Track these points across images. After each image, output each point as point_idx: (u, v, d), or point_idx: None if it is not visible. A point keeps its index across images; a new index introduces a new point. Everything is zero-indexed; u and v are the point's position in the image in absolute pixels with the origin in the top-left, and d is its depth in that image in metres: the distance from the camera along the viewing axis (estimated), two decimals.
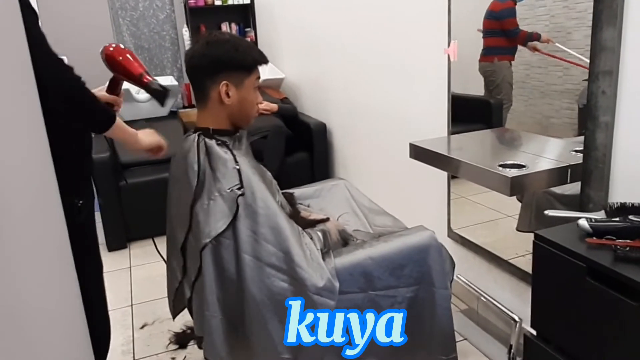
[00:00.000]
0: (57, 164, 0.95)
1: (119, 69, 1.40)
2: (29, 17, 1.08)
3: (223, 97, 1.30)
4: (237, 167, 1.24)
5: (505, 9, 1.76)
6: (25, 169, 0.64)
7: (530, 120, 1.79)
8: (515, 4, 1.70)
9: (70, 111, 1.18)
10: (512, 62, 1.77)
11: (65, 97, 1.15)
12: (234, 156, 1.27)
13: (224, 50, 1.30)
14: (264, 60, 1.36)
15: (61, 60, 1.17)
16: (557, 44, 1.58)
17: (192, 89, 1.39)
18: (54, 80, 1.11)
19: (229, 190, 1.22)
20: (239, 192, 1.21)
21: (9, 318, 0.58)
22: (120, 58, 1.38)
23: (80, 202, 1.27)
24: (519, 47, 1.73)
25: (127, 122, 3.67)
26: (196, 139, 1.31)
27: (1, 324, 0.58)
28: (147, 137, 1.46)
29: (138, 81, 1.40)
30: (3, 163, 0.58)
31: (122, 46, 1.44)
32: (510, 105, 1.82)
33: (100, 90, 1.45)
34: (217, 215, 1.21)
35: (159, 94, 1.41)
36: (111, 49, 1.39)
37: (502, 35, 1.81)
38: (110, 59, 1.39)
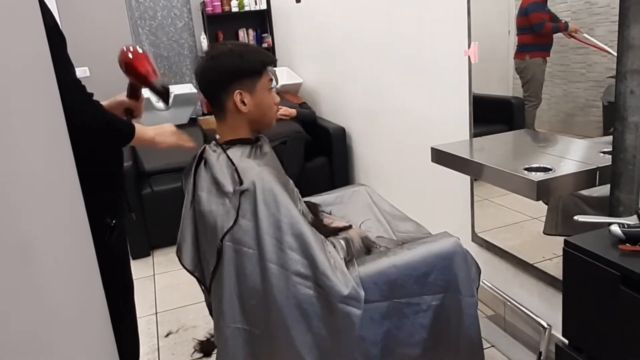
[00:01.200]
0: (89, 184, 0.95)
1: (129, 69, 1.40)
2: (56, 39, 1.08)
3: (239, 105, 1.31)
4: (234, 167, 1.24)
5: (531, 4, 1.73)
6: (52, 189, 0.65)
7: (554, 119, 1.75)
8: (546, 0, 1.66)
9: (89, 134, 1.19)
10: (546, 58, 1.73)
11: (84, 125, 1.16)
12: (256, 164, 1.27)
13: (229, 61, 1.30)
14: (271, 60, 1.37)
15: (83, 88, 1.18)
16: (585, 35, 1.55)
17: (209, 104, 1.39)
18: (78, 111, 1.10)
19: (232, 191, 1.22)
20: (242, 188, 1.21)
21: (36, 334, 0.58)
22: (131, 57, 1.38)
23: (114, 221, 1.28)
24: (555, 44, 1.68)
25: None
26: (219, 155, 1.30)
27: (29, 339, 0.58)
28: (166, 138, 1.44)
29: (144, 81, 1.40)
30: (30, 181, 0.58)
31: (139, 49, 1.43)
32: (538, 103, 1.79)
33: (121, 96, 1.46)
34: (228, 215, 1.22)
35: (161, 94, 1.42)
36: (124, 49, 1.39)
37: (531, 31, 1.77)
38: (121, 61, 1.39)
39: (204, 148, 1.39)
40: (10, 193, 0.53)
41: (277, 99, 1.40)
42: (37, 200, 0.60)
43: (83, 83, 1.25)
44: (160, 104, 3.71)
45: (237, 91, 1.30)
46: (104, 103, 1.34)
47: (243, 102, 1.31)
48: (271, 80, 1.37)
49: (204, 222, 1.28)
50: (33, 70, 0.64)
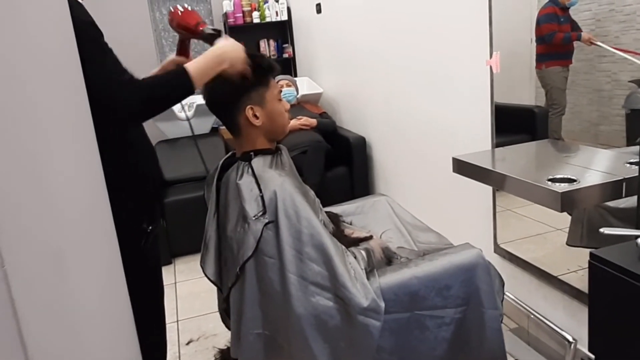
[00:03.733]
0: (127, 191, 0.96)
1: (181, 24, 1.41)
2: (93, 31, 1.11)
3: (252, 120, 1.31)
4: (261, 194, 1.23)
5: (543, 15, 1.74)
6: (82, 196, 0.66)
7: (578, 128, 1.73)
8: (558, 9, 1.66)
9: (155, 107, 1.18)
10: (567, 66, 1.72)
11: (143, 110, 1.16)
12: (277, 174, 1.27)
13: (234, 78, 1.28)
14: (275, 68, 1.35)
15: (123, 77, 1.15)
16: (599, 43, 1.54)
17: (222, 123, 1.40)
18: (119, 97, 1.10)
19: (253, 218, 1.21)
20: (265, 221, 1.20)
21: (64, 338, 0.59)
22: (180, 13, 1.40)
23: (150, 227, 1.29)
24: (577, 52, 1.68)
25: (168, 140, 3.75)
26: (242, 167, 1.31)
27: (59, 341, 0.59)
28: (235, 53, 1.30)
29: (194, 32, 1.41)
30: (64, 189, 0.60)
31: (187, 6, 1.45)
32: (562, 110, 1.77)
33: (170, 57, 1.48)
34: (247, 244, 1.22)
35: (212, 37, 1.38)
36: (171, 9, 1.42)
37: (543, 42, 1.77)
38: (171, 19, 1.41)
39: (225, 159, 1.40)
40: (46, 198, 0.55)
41: (287, 105, 1.41)
42: (69, 208, 0.62)
43: None
44: (182, 114, 3.77)
45: (249, 107, 1.30)
46: (153, 71, 1.33)
47: (255, 116, 1.31)
48: (280, 90, 1.38)
49: (225, 241, 1.30)
50: (64, 78, 0.66)
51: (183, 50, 1.50)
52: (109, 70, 1.12)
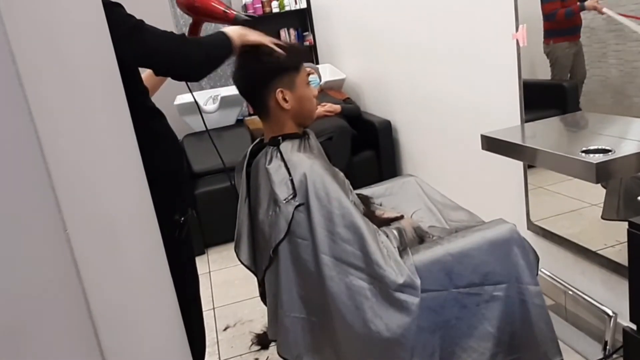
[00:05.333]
0: (160, 183, 1.00)
1: (202, 11, 1.42)
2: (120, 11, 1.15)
3: (282, 103, 1.32)
4: (290, 177, 1.24)
5: None
6: (126, 188, 0.69)
7: (610, 101, 1.68)
8: None
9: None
10: (575, 42, 1.69)
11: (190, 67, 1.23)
12: (306, 157, 1.28)
13: (265, 62, 1.30)
14: (304, 53, 1.37)
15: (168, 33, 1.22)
16: (605, 9, 1.50)
17: (251, 107, 1.41)
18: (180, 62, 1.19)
19: (284, 202, 1.23)
20: (296, 203, 1.22)
21: (118, 328, 0.63)
22: (199, 1, 1.41)
23: (182, 218, 1.33)
24: (594, 26, 1.64)
25: (195, 133, 3.80)
26: (271, 152, 1.33)
27: (113, 331, 0.63)
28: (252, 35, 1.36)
29: (223, 18, 1.43)
30: (109, 182, 0.63)
31: None
32: (569, 84, 1.76)
33: None
34: (279, 227, 1.23)
35: (248, 25, 1.40)
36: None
37: (547, 19, 1.76)
38: (190, 6, 1.41)
39: (254, 145, 1.42)
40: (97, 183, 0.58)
41: (315, 91, 1.42)
42: (115, 201, 0.65)
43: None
44: (208, 107, 3.82)
45: (279, 89, 1.31)
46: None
47: (285, 100, 1.32)
48: (308, 74, 1.39)
49: (257, 226, 1.32)
50: (102, 69, 0.69)
51: (195, 32, 1.51)
52: (161, 33, 1.19)
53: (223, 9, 1.42)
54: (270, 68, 1.31)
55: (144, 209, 0.74)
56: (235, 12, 1.43)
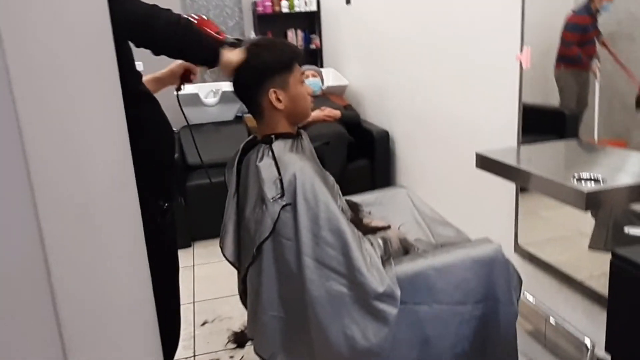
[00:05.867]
0: (145, 168, 1.00)
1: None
2: None
3: (275, 103, 1.32)
4: (280, 177, 1.24)
5: (571, 22, 1.72)
6: (107, 171, 0.68)
7: (610, 134, 1.68)
8: (589, 18, 1.62)
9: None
10: (587, 71, 1.69)
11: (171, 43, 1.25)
12: (298, 158, 1.28)
13: (259, 61, 1.31)
14: (298, 53, 1.37)
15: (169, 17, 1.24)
16: (609, 48, 1.51)
17: (246, 107, 1.41)
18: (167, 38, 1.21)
19: (271, 200, 1.22)
20: (283, 203, 1.21)
21: (86, 310, 0.61)
22: (196, 21, 1.42)
23: (166, 204, 1.33)
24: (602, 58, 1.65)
25: (194, 126, 3.79)
26: (263, 150, 1.32)
27: (81, 315, 0.61)
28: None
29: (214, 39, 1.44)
30: (90, 164, 0.62)
31: (204, 17, 1.49)
32: (575, 112, 1.75)
33: (177, 61, 1.52)
34: (264, 225, 1.23)
35: (235, 47, 1.43)
36: (185, 16, 1.46)
37: (563, 44, 1.77)
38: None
39: (247, 142, 1.41)
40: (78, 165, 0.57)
41: (310, 89, 1.41)
42: (94, 182, 0.63)
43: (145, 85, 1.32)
44: (208, 100, 3.81)
45: (272, 90, 1.31)
46: (149, 77, 1.40)
47: (278, 99, 1.32)
48: (302, 73, 1.38)
49: (244, 222, 1.31)
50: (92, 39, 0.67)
51: (187, 76, 1.54)
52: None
53: (217, 30, 1.45)
54: (262, 69, 1.31)
55: (126, 191, 0.72)
56: (225, 36, 1.46)
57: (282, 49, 1.34)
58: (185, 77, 1.54)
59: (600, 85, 1.65)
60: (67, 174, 0.54)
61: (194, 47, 1.30)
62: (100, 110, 0.65)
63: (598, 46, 1.62)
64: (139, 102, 1.28)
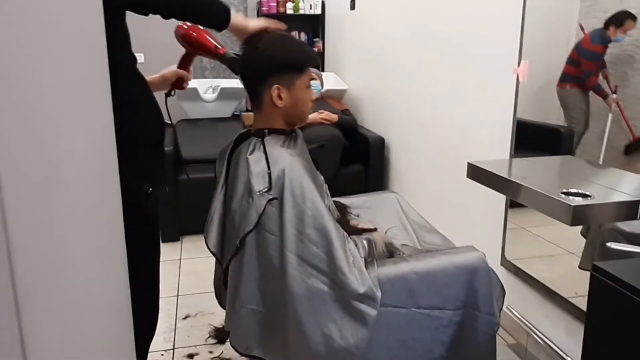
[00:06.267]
0: (130, 152, 0.99)
1: (196, 44, 1.49)
2: None
3: (275, 100, 1.30)
4: (268, 171, 1.23)
5: (589, 51, 1.69)
6: (87, 156, 0.67)
7: (606, 155, 1.68)
8: (603, 48, 1.62)
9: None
10: (587, 92, 1.70)
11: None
12: (288, 154, 1.27)
13: (272, 54, 1.29)
14: (315, 60, 1.37)
15: None
16: (620, 106, 1.51)
17: (247, 93, 1.41)
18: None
19: (258, 193, 1.21)
20: (269, 197, 1.20)
21: (55, 289, 0.60)
22: (195, 34, 1.48)
23: (150, 189, 1.32)
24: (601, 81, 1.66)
25: (190, 120, 3.83)
26: (254, 143, 1.32)
27: (51, 295, 0.59)
28: (258, 23, 1.40)
29: (214, 53, 1.49)
30: (69, 148, 0.60)
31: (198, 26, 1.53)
32: (583, 130, 1.74)
33: (171, 68, 1.56)
34: (249, 218, 1.22)
35: (234, 62, 1.45)
36: (185, 27, 1.48)
37: (577, 67, 1.76)
38: (187, 37, 1.48)
39: (240, 134, 1.41)
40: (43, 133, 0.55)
41: (314, 95, 1.40)
42: (72, 165, 0.62)
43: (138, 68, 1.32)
44: (207, 95, 3.81)
45: (276, 86, 1.29)
46: (147, 79, 1.41)
47: (280, 97, 1.30)
48: (311, 78, 1.37)
49: (230, 214, 1.30)
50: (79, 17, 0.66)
51: (186, 63, 1.58)
52: None
53: (215, 44, 1.49)
54: (273, 62, 1.29)
55: (104, 166, 0.71)
56: (225, 50, 1.51)
57: (300, 49, 1.33)
58: (178, 83, 1.56)
59: (612, 116, 1.65)
60: (32, 144, 0.52)
61: (204, 6, 1.29)
62: (80, 81, 0.64)
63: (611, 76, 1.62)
64: (130, 80, 1.28)
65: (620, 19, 1.54)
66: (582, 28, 1.72)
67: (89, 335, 0.70)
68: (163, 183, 1.46)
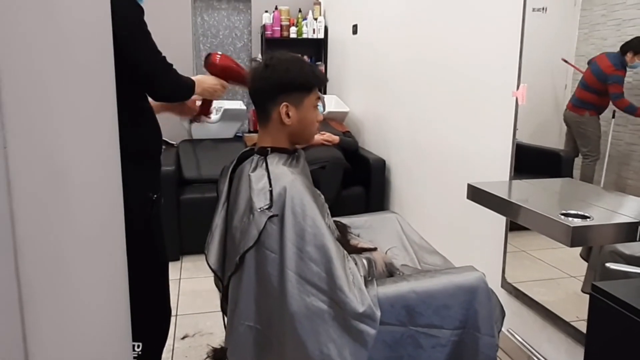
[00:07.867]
0: (135, 162, 1.05)
1: (232, 74, 1.62)
2: (134, 12, 1.26)
3: (283, 117, 1.32)
4: (270, 188, 1.24)
5: (617, 75, 1.70)
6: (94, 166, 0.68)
7: (606, 180, 1.69)
8: (625, 72, 1.65)
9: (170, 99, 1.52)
10: (594, 117, 1.72)
11: (167, 94, 1.46)
12: (290, 172, 1.28)
13: (282, 73, 1.31)
14: (323, 80, 1.39)
15: (163, 58, 1.39)
16: None
17: (255, 109, 1.43)
18: (160, 82, 1.38)
19: (259, 210, 1.22)
20: (270, 214, 1.21)
21: (57, 288, 0.61)
22: (234, 65, 1.63)
23: (155, 196, 1.39)
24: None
25: (192, 140, 3.89)
26: (257, 161, 1.33)
27: (51, 298, 0.61)
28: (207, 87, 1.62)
29: (245, 82, 1.56)
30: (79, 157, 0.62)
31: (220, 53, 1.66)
32: (597, 158, 1.74)
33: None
34: (249, 235, 1.22)
35: None
36: (218, 56, 1.58)
37: (600, 94, 1.75)
38: (224, 67, 1.62)
39: (244, 152, 1.42)
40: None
41: (320, 117, 1.42)
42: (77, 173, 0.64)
43: None
44: (211, 117, 3.85)
45: (284, 103, 1.31)
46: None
47: (287, 115, 1.32)
48: (319, 98, 1.39)
49: (230, 231, 1.31)
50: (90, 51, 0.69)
51: (205, 108, 1.72)
52: (153, 49, 1.35)
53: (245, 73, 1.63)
54: (284, 82, 1.31)
55: (109, 173, 0.73)
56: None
57: (310, 70, 1.36)
58: (204, 109, 1.71)
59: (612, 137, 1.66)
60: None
61: (183, 97, 1.53)
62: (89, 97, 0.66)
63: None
64: (143, 98, 1.42)
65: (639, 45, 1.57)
66: (566, 61, 1.75)
67: (89, 334, 0.71)
68: (160, 193, 1.52)
